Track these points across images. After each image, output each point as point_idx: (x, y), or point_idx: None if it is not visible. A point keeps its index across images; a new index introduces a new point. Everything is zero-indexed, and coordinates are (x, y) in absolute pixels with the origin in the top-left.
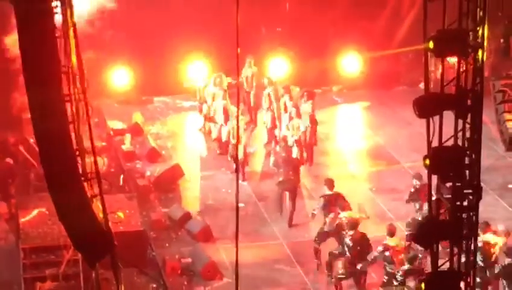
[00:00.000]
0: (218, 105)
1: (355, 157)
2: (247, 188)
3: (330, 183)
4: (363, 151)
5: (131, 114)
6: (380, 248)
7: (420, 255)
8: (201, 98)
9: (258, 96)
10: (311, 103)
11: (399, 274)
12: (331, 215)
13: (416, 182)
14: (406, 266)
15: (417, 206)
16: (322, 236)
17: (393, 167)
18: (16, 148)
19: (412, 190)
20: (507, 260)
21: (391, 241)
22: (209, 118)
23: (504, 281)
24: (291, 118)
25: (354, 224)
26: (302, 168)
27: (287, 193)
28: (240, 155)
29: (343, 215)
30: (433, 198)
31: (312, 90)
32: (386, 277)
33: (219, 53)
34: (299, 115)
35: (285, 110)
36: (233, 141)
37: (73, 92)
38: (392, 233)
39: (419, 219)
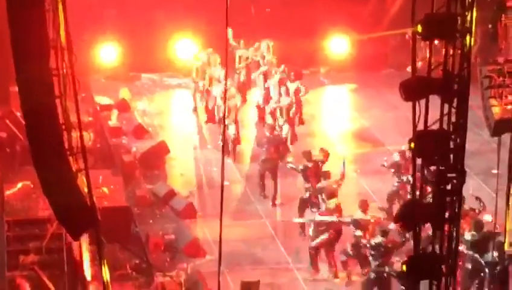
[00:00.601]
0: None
1: (341, 139)
2: (233, 166)
3: (308, 155)
4: (349, 133)
5: (119, 90)
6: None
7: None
8: (199, 77)
9: (248, 76)
10: (298, 83)
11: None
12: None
13: (397, 156)
14: (378, 239)
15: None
16: (302, 204)
17: (379, 149)
18: (3, 122)
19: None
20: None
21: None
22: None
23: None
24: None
25: (331, 193)
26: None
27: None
28: (232, 134)
29: (323, 184)
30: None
31: (300, 70)
32: (352, 248)
33: (207, 31)
34: (288, 94)
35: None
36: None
37: (61, 66)
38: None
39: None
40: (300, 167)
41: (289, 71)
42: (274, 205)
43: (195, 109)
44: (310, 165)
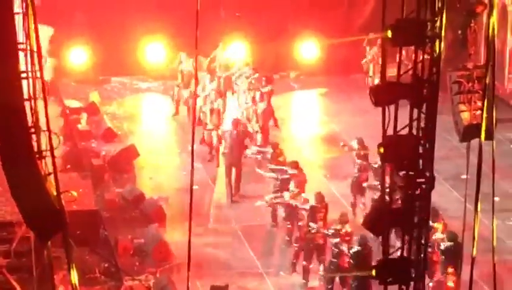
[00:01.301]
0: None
1: (310, 143)
2: (203, 170)
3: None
4: (318, 138)
5: (88, 93)
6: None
7: None
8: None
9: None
10: (270, 88)
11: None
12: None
13: (355, 144)
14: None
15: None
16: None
17: (348, 154)
18: None
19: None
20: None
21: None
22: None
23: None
24: (254, 102)
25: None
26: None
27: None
28: (215, 140)
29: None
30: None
31: (271, 75)
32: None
33: (177, 34)
34: (262, 99)
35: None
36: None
37: (30, 69)
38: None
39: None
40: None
41: (260, 76)
42: (232, 201)
43: (176, 113)
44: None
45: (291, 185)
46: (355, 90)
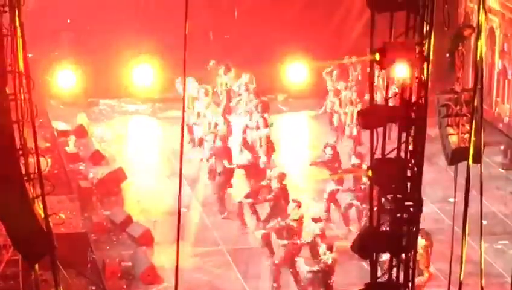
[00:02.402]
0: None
1: (300, 166)
2: (190, 193)
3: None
4: (308, 161)
5: (76, 116)
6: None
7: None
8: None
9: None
10: (267, 115)
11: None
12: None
13: (330, 151)
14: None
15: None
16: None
17: (336, 176)
18: None
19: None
20: None
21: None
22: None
23: None
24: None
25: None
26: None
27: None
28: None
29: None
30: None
31: (267, 101)
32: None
33: (165, 57)
34: (266, 125)
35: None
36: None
37: (18, 91)
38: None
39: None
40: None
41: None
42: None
43: (192, 140)
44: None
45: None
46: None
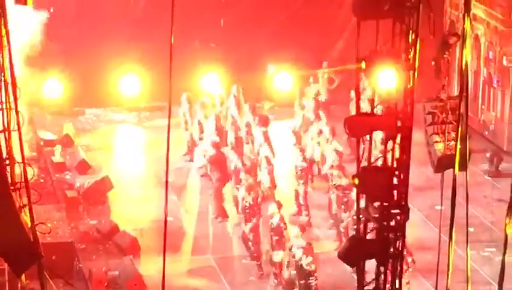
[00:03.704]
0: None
1: (286, 174)
2: (177, 202)
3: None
4: (293, 169)
5: (63, 125)
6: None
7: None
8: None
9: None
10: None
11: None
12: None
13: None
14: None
15: None
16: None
17: (322, 184)
18: None
19: None
20: None
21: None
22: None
23: None
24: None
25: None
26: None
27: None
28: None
29: None
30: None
31: (266, 116)
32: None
33: (151, 66)
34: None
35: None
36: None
37: (5, 100)
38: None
39: None
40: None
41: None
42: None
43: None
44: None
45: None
46: (330, 121)
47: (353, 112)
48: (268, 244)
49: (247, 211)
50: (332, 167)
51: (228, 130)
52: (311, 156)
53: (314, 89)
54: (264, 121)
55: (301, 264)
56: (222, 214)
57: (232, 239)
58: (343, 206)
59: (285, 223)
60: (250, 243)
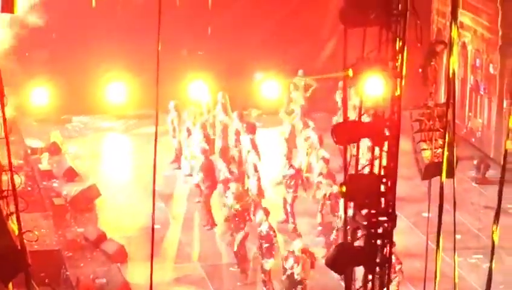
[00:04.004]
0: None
1: (273, 182)
2: (164, 209)
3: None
4: (281, 177)
5: (50, 133)
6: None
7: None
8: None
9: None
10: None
11: None
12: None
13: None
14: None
15: None
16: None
17: (310, 192)
18: None
19: None
20: None
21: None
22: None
23: None
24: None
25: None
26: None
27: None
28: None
29: None
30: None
31: (253, 123)
32: None
33: (139, 73)
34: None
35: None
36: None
37: None
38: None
39: None
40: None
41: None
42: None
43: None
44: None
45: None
46: (317, 129)
47: (337, 119)
48: (258, 252)
49: (236, 219)
50: (321, 174)
51: (216, 137)
52: (300, 164)
53: (296, 97)
54: (252, 129)
55: (292, 273)
56: (210, 221)
57: (219, 247)
58: (336, 214)
59: (274, 231)
60: (237, 250)
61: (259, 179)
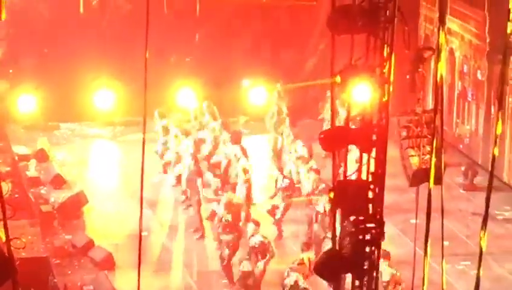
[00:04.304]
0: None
1: (261, 190)
2: (152, 216)
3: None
4: (269, 184)
5: (37, 140)
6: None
7: None
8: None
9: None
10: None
11: None
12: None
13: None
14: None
15: None
16: None
17: (299, 199)
18: None
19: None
20: None
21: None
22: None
23: None
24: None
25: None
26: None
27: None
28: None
29: None
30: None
31: (239, 131)
32: None
33: (127, 81)
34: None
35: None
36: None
37: None
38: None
39: None
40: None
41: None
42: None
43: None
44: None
45: None
46: (304, 135)
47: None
48: (251, 264)
49: (227, 229)
50: (315, 188)
51: (203, 145)
52: (289, 172)
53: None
54: (237, 138)
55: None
56: (199, 229)
57: (208, 254)
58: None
59: (266, 238)
60: (226, 265)
61: (249, 187)
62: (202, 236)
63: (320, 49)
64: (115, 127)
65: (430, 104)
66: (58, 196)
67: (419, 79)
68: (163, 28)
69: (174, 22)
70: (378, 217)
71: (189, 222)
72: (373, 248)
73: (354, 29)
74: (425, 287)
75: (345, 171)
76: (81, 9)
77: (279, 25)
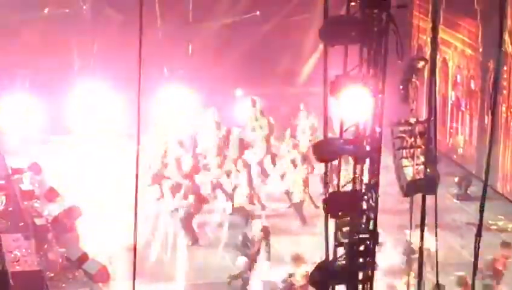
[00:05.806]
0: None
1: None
2: (147, 228)
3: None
4: (262, 193)
5: (31, 152)
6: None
7: None
8: None
9: None
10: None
11: None
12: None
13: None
14: None
15: None
16: None
17: (290, 209)
18: None
19: None
20: None
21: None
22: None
23: None
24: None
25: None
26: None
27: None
28: None
29: None
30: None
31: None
32: None
33: (120, 92)
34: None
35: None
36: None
37: None
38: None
39: None
40: None
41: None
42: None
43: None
44: None
45: None
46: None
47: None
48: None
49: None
50: None
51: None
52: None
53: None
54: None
55: None
56: (195, 240)
57: (204, 265)
58: None
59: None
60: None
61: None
62: (195, 242)
63: (313, 60)
64: (110, 139)
65: (423, 114)
66: (52, 209)
67: (412, 89)
68: (157, 40)
69: (168, 34)
70: (372, 227)
71: (184, 233)
72: (367, 259)
73: (347, 40)
74: None
75: (338, 182)
76: None
77: (273, 35)
